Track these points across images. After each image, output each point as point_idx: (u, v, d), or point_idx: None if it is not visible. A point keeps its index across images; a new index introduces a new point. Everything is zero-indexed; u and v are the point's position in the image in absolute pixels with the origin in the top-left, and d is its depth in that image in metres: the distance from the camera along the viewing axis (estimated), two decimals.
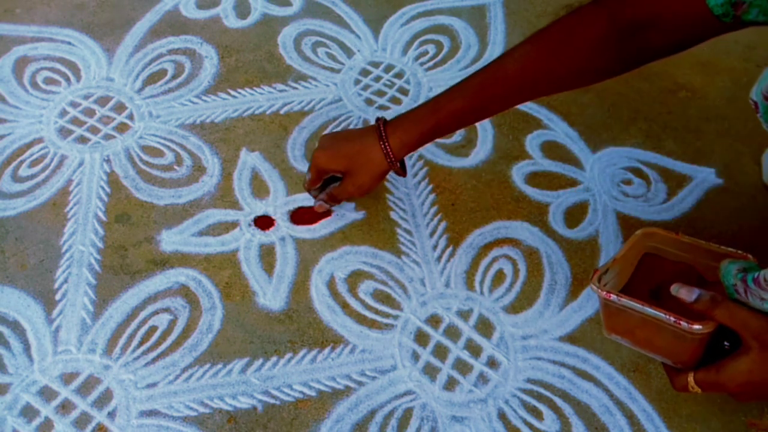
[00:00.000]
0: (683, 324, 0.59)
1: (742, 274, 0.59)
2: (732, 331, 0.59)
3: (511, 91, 0.73)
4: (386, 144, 0.76)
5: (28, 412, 0.70)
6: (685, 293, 0.60)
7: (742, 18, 0.61)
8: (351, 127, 0.95)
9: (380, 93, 0.99)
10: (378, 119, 0.77)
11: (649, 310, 0.61)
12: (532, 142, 0.94)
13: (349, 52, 1.05)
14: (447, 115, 0.74)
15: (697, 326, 0.59)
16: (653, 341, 0.64)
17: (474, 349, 0.75)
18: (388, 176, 0.89)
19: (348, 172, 0.79)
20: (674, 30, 0.65)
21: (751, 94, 0.61)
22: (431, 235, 0.84)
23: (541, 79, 0.72)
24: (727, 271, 0.61)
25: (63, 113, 0.95)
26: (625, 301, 0.63)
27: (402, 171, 0.80)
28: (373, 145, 0.76)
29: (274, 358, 0.74)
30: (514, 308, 0.78)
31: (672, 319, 0.60)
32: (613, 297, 0.63)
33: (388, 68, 1.03)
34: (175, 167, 0.90)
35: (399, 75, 1.02)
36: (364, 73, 1.02)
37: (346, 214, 0.85)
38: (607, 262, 0.68)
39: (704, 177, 0.90)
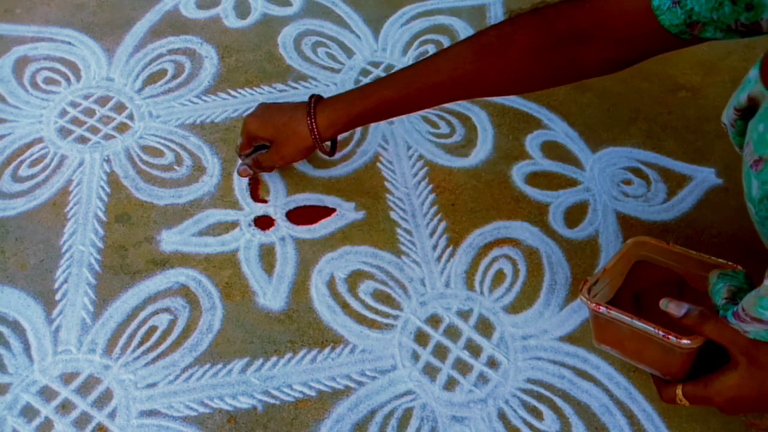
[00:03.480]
0: (672, 338, 0.60)
1: (725, 303, 0.59)
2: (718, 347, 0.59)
3: (440, 88, 0.74)
4: (313, 121, 0.77)
5: (28, 412, 0.70)
6: (674, 308, 0.60)
7: (700, 36, 0.61)
8: None
9: None
10: (312, 96, 0.79)
11: (638, 324, 0.62)
12: (532, 142, 0.94)
13: (349, 52, 1.05)
14: (376, 102, 0.76)
15: (685, 341, 0.59)
16: (642, 353, 0.64)
17: (474, 349, 0.75)
18: (387, 176, 0.89)
19: (274, 142, 0.81)
20: (621, 44, 0.65)
21: (722, 117, 0.61)
22: (431, 235, 0.84)
23: (472, 81, 0.72)
24: (716, 291, 0.61)
25: (63, 113, 0.95)
26: (614, 314, 0.63)
27: (329, 151, 0.82)
28: (301, 120, 0.78)
29: (274, 358, 0.74)
30: (514, 308, 0.78)
31: (660, 333, 0.60)
32: (602, 309, 0.63)
33: (388, 68, 1.03)
34: (175, 167, 0.90)
35: None
36: (365, 73, 1.02)
37: (346, 214, 0.85)
38: (597, 272, 0.69)
39: (704, 177, 0.90)
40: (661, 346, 0.61)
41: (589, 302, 0.64)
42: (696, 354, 0.61)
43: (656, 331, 0.60)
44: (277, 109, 0.82)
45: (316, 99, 0.79)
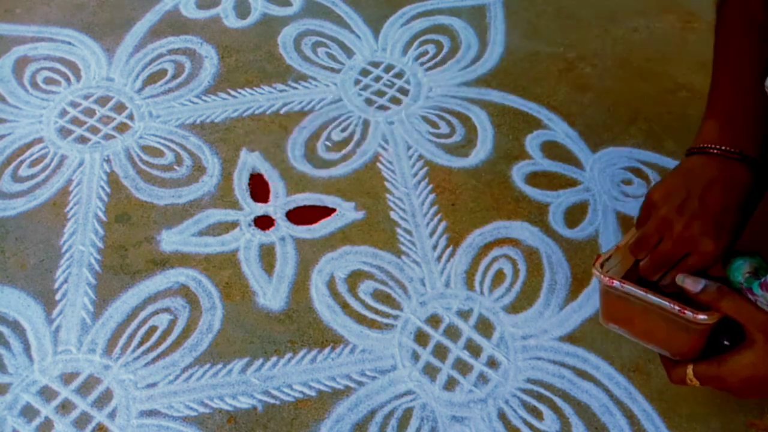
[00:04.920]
0: (688, 313, 0.57)
1: (749, 277, 0.57)
2: (732, 328, 0.58)
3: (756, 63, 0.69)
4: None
5: (28, 412, 0.70)
6: (691, 283, 0.58)
7: None
8: (350, 126, 0.95)
9: (380, 93, 0.99)
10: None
11: (653, 299, 0.59)
12: (532, 142, 0.94)
13: (349, 52, 1.05)
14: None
15: (702, 316, 0.57)
16: (653, 331, 0.62)
17: (474, 349, 0.75)
18: (387, 176, 0.89)
19: None
20: None
21: (765, 83, 0.59)
22: (431, 235, 0.84)
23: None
24: (736, 267, 0.59)
25: (63, 113, 0.95)
26: (628, 288, 0.60)
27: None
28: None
29: (274, 358, 0.74)
30: (514, 308, 0.78)
31: (677, 308, 0.57)
32: (615, 283, 0.61)
33: (388, 68, 1.03)
34: (175, 167, 0.90)
35: (399, 75, 1.02)
36: (364, 73, 1.02)
37: (346, 214, 0.85)
38: (610, 249, 0.67)
39: None
40: (673, 324, 0.59)
41: (602, 276, 0.61)
42: (709, 333, 0.58)
43: (672, 305, 0.58)
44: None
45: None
